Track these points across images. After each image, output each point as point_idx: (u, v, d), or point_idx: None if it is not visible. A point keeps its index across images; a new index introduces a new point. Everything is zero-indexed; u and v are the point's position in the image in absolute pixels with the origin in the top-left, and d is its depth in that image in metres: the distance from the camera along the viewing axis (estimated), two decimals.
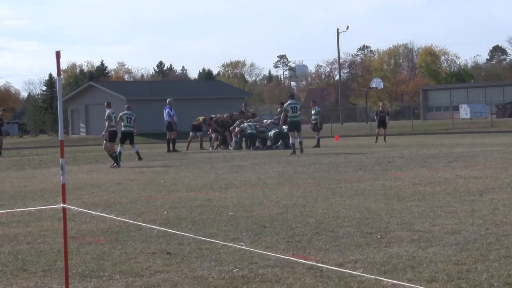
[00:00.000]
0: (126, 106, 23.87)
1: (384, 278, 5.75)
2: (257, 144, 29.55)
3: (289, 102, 24.92)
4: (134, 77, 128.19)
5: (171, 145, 29.11)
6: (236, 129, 29.68)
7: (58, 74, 5.56)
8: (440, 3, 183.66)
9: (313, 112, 31.29)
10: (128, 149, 25.17)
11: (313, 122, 30.67)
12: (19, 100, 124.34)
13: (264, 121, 31.71)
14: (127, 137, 22.96)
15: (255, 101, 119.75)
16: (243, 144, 29.55)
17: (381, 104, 37.76)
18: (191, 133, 31.16)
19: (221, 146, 30.49)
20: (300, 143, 24.91)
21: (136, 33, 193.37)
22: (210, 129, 31.17)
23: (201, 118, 31.66)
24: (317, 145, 29.11)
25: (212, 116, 31.72)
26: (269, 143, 29.44)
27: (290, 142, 24.72)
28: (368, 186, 12.70)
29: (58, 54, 5.45)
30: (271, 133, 29.13)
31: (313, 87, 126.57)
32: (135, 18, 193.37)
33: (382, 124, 33.39)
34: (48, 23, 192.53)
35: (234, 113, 32.20)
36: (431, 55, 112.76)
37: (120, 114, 23.03)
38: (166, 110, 29.63)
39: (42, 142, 63.87)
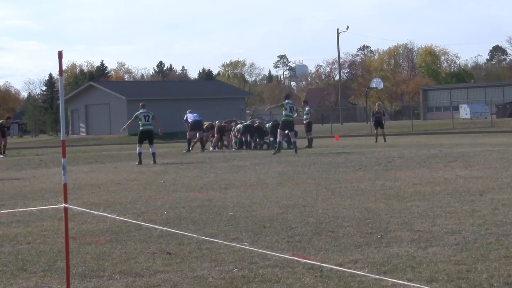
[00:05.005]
0: (141, 104, 23.48)
1: (388, 278, 5.75)
2: (257, 141, 29.78)
3: (288, 101, 25.11)
4: (134, 77, 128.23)
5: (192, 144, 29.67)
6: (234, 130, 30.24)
7: (60, 74, 5.56)
8: (440, 3, 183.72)
9: (304, 112, 31.37)
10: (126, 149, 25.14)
11: (304, 122, 30.75)
12: (19, 100, 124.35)
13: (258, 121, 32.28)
14: (146, 136, 22.71)
15: (255, 101, 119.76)
16: (244, 145, 29.82)
17: (377, 104, 37.73)
18: (197, 134, 31.35)
19: (219, 144, 30.91)
20: (294, 143, 25.00)
21: (136, 33, 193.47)
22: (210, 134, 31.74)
23: (206, 123, 32.00)
24: (309, 146, 29.16)
25: (215, 123, 32.27)
26: (266, 142, 29.67)
27: (277, 140, 24.84)
28: (368, 186, 12.71)
29: (60, 54, 5.46)
30: (268, 125, 29.45)
31: (313, 87, 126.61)
32: (135, 18, 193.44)
33: (379, 124, 33.41)
34: (48, 23, 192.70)
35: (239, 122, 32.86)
36: (431, 55, 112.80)
37: (136, 113, 22.81)
38: (194, 115, 29.99)
39: (42, 142, 63.91)
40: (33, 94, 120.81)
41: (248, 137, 29.95)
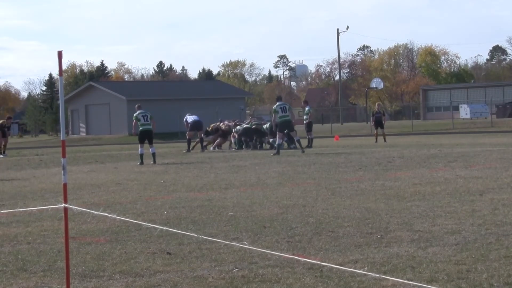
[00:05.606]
0: (137, 106, 23.52)
1: (390, 277, 5.74)
2: (256, 142, 29.76)
3: (278, 103, 24.98)
4: (134, 77, 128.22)
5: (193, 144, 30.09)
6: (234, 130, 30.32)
7: (60, 74, 5.56)
8: (440, 3, 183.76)
9: (304, 112, 31.34)
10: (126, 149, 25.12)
11: (304, 122, 30.75)
12: (19, 100, 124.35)
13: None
14: (146, 135, 22.64)
15: (255, 101, 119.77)
16: (244, 145, 29.81)
17: (377, 104, 37.70)
18: (197, 134, 31.44)
19: (219, 146, 31.03)
20: (298, 141, 24.90)
21: (136, 33, 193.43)
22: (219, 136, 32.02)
23: (211, 125, 32.13)
24: (309, 146, 29.05)
25: (219, 124, 32.52)
26: (269, 143, 29.63)
27: (277, 142, 24.68)
28: (368, 186, 12.70)
29: (60, 54, 5.46)
30: (267, 125, 29.46)
31: (313, 87, 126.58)
32: (135, 18, 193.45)
33: (379, 124, 33.41)
34: (48, 23, 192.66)
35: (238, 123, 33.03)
36: (431, 55, 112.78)
37: (135, 114, 22.84)
38: (193, 116, 30.76)
39: (42, 142, 63.90)
40: (33, 94, 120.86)
41: (247, 139, 29.91)
